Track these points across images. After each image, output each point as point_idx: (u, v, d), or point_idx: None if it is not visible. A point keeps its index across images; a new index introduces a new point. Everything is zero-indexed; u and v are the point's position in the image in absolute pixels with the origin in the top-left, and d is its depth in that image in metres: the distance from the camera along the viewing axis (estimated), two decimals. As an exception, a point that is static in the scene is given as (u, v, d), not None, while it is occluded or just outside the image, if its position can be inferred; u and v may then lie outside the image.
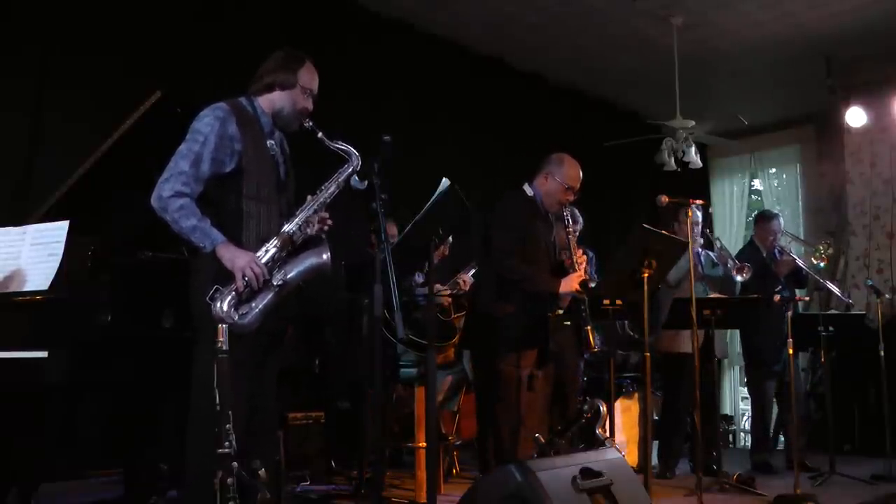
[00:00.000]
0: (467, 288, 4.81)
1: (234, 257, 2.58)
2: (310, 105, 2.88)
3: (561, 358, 4.24)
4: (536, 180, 4.01)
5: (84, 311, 2.75)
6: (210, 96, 2.82)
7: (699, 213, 5.05)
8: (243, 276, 2.56)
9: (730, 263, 5.19)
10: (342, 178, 2.83)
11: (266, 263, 2.62)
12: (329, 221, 2.77)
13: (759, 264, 5.53)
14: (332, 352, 4.83)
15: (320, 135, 2.82)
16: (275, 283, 2.62)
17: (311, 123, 2.84)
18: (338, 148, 2.84)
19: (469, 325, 4.18)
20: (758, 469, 5.39)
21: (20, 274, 2.85)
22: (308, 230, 2.73)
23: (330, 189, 2.81)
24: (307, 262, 2.69)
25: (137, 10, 5.20)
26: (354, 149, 2.87)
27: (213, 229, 2.62)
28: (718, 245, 5.27)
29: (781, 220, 5.81)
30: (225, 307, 2.52)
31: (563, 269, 3.89)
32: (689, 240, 4.41)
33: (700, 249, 5.21)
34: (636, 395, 5.59)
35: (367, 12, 6.56)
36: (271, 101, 2.84)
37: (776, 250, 5.61)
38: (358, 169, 2.84)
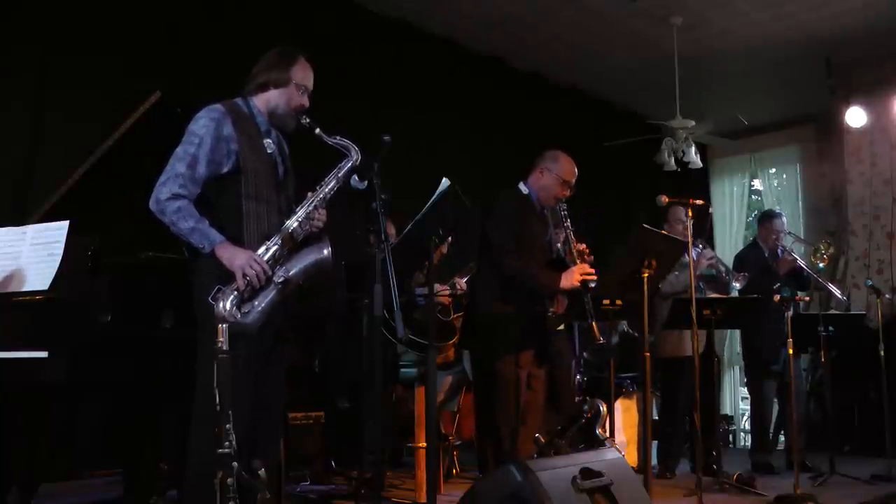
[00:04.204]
0: (462, 290, 4.82)
1: (232, 257, 2.58)
2: (305, 101, 2.86)
3: (559, 358, 4.25)
4: (531, 177, 4.03)
5: (84, 311, 2.75)
6: (210, 97, 2.82)
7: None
8: (244, 275, 2.56)
9: (721, 268, 5.22)
10: (342, 172, 2.81)
11: (267, 261, 2.62)
12: (322, 219, 2.77)
13: (761, 264, 5.54)
14: (332, 352, 4.83)
15: (318, 130, 2.81)
16: (277, 281, 2.62)
17: (307, 120, 2.83)
18: (336, 143, 2.82)
19: (468, 325, 4.19)
20: (758, 469, 5.38)
21: (20, 274, 2.85)
22: (309, 226, 2.74)
23: (330, 184, 2.80)
24: (309, 258, 2.69)
25: (138, 10, 5.21)
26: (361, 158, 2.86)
27: (212, 230, 2.62)
28: (710, 255, 5.28)
29: (784, 220, 5.81)
30: (227, 306, 2.51)
31: (563, 265, 3.90)
32: (689, 240, 4.41)
33: (699, 247, 5.21)
34: (636, 395, 5.59)
35: (367, 12, 6.56)
36: (266, 100, 2.84)
37: (779, 250, 5.61)
38: (357, 163, 2.82)
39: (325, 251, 2.69)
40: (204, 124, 2.69)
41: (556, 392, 4.30)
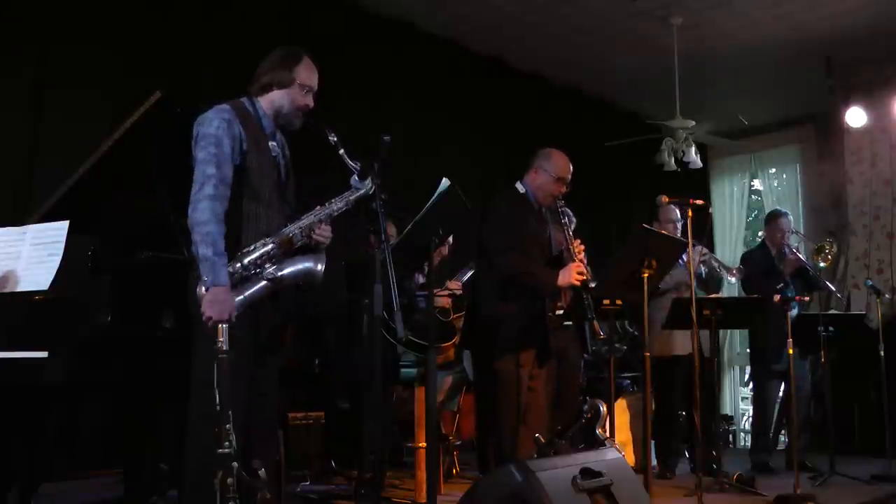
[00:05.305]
0: (458, 291, 4.82)
1: (214, 300, 2.49)
2: (310, 101, 2.87)
3: (564, 357, 4.25)
4: (527, 177, 4.04)
5: (84, 311, 2.75)
6: (210, 97, 2.82)
7: (677, 212, 5.06)
8: (209, 316, 2.48)
9: (714, 264, 5.21)
10: (353, 197, 2.81)
11: (260, 257, 2.62)
12: (327, 236, 2.78)
13: (766, 265, 5.53)
14: (332, 352, 4.83)
15: (342, 151, 2.80)
16: (265, 276, 2.62)
17: (335, 138, 2.80)
18: (354, 167, 2.82)
19: (469, 325, 4.19)
20: (758, 469, 5.38)
21: (20, 274, 2.85)
22: (310, 237, 2.74)
23: (338, 205, 2.80)
24: (302, 265, 2.69)
25: (138, 10, 5.21)
26: (360, 157, 2.85)
27: (223, 270, 2.54)
28: (702, 251, 5.28)
29: (790, 219, 5.81)
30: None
31: (562, 264, 3.90)
32: (689, 240, 4.40)
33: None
34: (629, 396, 5.59)
35: (367, 12, 6.56)
36: (271, 101, 2.84)
37: (785, 249, 5.61)
38: (371, 192, 2.81)
39: (319, 266, 2.69)
40: (218, 125, 2.66)
41: (558, 390, 4.31)
